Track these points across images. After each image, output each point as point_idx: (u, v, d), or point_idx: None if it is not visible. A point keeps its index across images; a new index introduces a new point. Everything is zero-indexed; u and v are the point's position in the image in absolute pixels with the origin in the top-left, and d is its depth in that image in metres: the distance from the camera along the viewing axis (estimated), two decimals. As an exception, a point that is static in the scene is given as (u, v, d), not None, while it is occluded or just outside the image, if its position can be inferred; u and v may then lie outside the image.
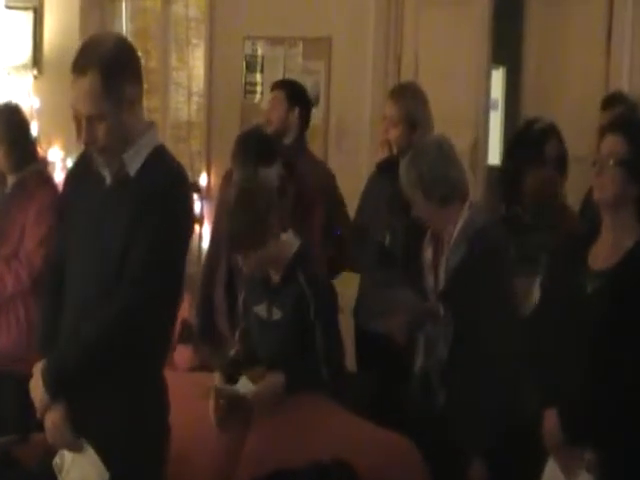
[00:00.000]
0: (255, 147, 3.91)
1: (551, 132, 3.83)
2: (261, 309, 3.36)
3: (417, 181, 3.35)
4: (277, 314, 3.30)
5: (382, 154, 4.12)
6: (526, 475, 2.94)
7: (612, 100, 4.33)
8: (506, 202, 3.88)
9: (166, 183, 2.53)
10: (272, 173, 3.82)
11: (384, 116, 4.09)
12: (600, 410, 2.70)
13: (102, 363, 2.51)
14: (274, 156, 3.90)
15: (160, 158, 2.59)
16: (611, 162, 2.75)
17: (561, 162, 3.78)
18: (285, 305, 3.28)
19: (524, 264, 3.53)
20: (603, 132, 2.84)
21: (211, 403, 3.19)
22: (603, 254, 2.80)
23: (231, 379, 3.30)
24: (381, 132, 4.13)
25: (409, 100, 4.03)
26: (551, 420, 2.78)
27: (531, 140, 3.82)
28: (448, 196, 3.34)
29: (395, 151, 4.02)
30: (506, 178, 3.93)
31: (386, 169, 4.03)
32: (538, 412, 2.83)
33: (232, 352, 3.47)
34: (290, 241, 3.34)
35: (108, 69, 2.47)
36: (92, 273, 2.54)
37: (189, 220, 2.67)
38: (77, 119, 2.53)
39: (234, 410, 3.16)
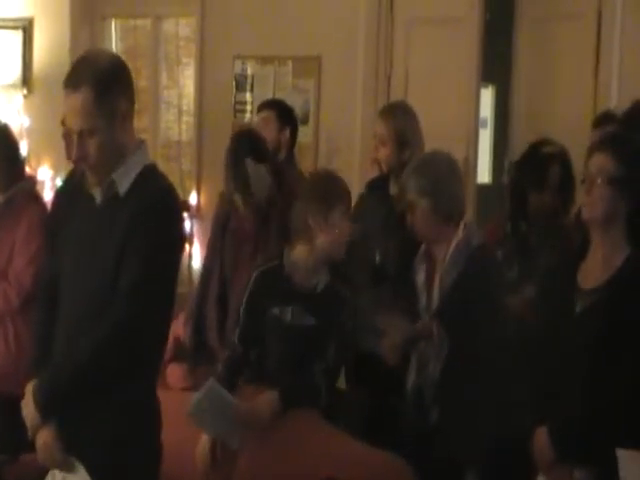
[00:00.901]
0: (248, 142, 4.00)
1: (556, 157, 3.84)
2: (284, 312, 3.25)
3: (426, 190, 3.31)
4: (310, 320, 3.23)
5: (372, 173, 4.12)
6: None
7: (603, 119, 4.35)
8: (511, 220, 3.90)
9: (157, 202, 2.53)
10: (263, 169, 3.89)
11: (374, 135, 4.10)
12: (590, 428, 2.71)
13: (94, 383, 2.50)
14: (265, 155, 4.00)
15: (150, 177, 2.58)
16: (600, 180, 2.76)
17: (565, 187, 3.77)
18: (322, 313, 3.23)
19: (529, 286, 3.55)
20: (592, 150, 2.86)
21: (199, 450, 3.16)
22: (593, 272, 2.81)
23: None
24: (371, 151, 4.13)
25: (399, 119, 4.04)
26: (542, 437, 2.78)
27: (535, 164, 3.84)
28: (453, 214, 3.34)
29: (385, 170, 4.02)
30: (512, 197, 3.95)
31: (376, 188, 4.04)
32: (529, 429, 2.83)
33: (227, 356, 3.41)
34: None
35: (102, 85, 2.48)
36: (84, 292, 2.54)
37: (180, 239, 2.66)
38: (67, 136, 2.52)
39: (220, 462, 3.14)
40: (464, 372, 3.19)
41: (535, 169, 3.82)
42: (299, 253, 3.27)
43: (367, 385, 3.77)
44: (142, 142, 2.67)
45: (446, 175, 3.36)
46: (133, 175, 2.55)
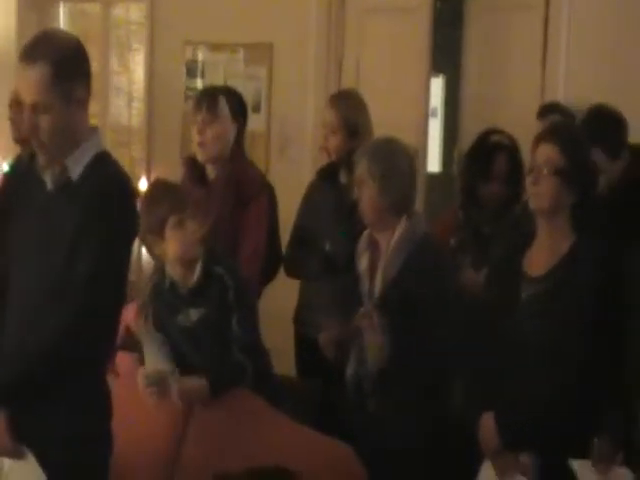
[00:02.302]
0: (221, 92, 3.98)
1: (503, 147, 3.84)
2: (181, 318, 3.32)
3: (377, 173, 3.29)
4: (199, 312, 3.28)
5: (322, 161, 4.12)
6: (462, 478, 2.97)
7: (548, 109, 4.40)
8: (463, 209, 3.92)
9: (111, 189, 2.50)
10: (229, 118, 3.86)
11: (323, 123, 4.09)
12: (536, 415, 2.75)
13: (48, 373, 2.48)
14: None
15: (104, 164, 2.56)
16: (545, 171, 2.80)
17: (513, 177, 3.78)
18: (208, 299, 3.26)
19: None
20: (538, 141, 2.90)
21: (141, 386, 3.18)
22: (539, 260, 2.85)
23: None
24: (322, 138, 4.12)
25: (348, 107, 4.04)
26: (488, 424, 2.82)
27: (481, 154, 3.86)
28: (400, 203, 3.32)
29: (334, 158, 4.03)
30: (462, 186, 3.98)
31: (327, 176, 4.04)
32: (475, 416, 2.86)
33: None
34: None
35: (60, 63, 2.45)
36: (37, 280, 2.51)
37: (134, 227, 2.64)
38: (16, 116, 2.49)
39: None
40: (403, 362, 3.21)
41: (482, 159, 3.83)
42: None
43: (316, 374, 3.79)
44: (96, 129, 2.64)
45: (400, 165, 3.36)
46: (86, 161, 2.52)
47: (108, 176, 2.53)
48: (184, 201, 3.28)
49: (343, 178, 3.94)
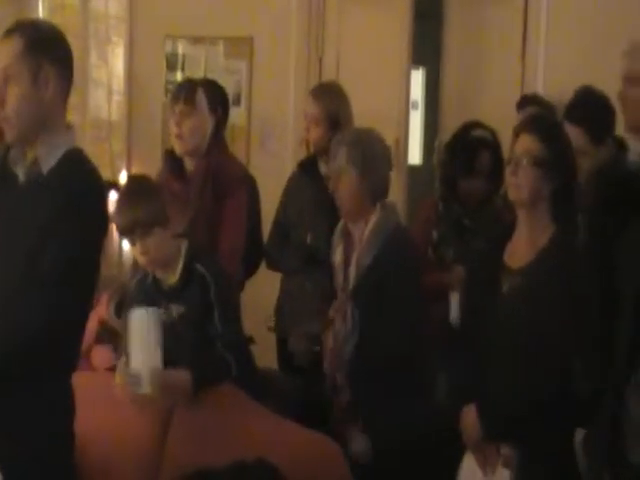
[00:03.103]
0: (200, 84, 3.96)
1: (486, 142, 3.85)
2: (163, 314, 3.25)
3: (357, 161, 3.30)
4: (179, 309, 3.26)
5: (303, 153, 4.12)
6: (444, 470, 2.98)
7: (526, 101, 4.41)
8: (443, 202, 3.93)
9: (81, 185, 2.48)
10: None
11: (305, 115, 4.08)
12: (517, 407, 2.76)
13: (9, 371, 2.43)
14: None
15: (76, 159, 2.53)
16: (525, 161, 2.81)
17: (495, 171, 3.78)
18: (188, 298, 3.25)
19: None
20: (517, 132, 2.90)
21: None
22: (519, 252, 2.86)
23: None
24: (303, 130, 4.10)
25: (331, 99, 4.03)
26: (470, 416, 2.83)
27: (464, 149, 3.86)
28: (377, 192, 3.33)
29: (313, 150, 4.01)
30: (442, 180, 3.98)
31: (307, 168, 4.03)
32: (457, 408, 2.87)
33: None
34: (179, 243, 3.29)
35: (34, 39, 2.46)
36: (2, 276, 2.49)
37: (103, 223, 2.61)
38: None
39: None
40: (376, 354, 3.21)
41: (465, 154, 3.84)
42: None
43: (298, 369, 3.79)
44: (71, 126, 2.62)
45: (379, 153, 3.37)
46: (58, 155, 2.50)
47: (79, 172, 2.51)
48: (155, 208, 3.21)
49: (323, 170, 3.93)
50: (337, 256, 3.39)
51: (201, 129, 3.85)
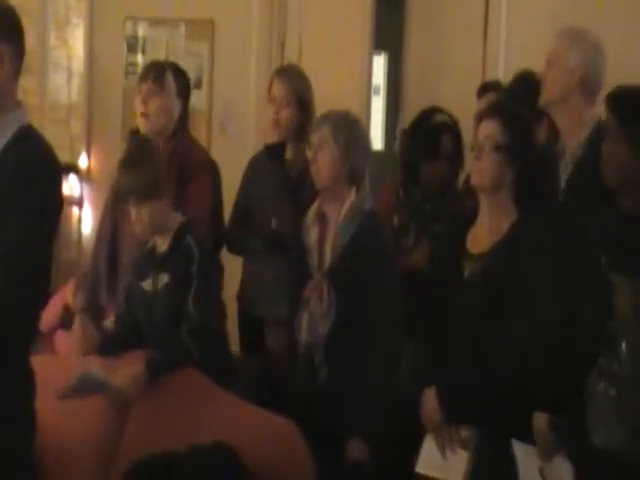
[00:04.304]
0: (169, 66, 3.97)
1: (447, 126, 3.89)
2: (147, 283, 3.34)
3: (341, 138, 3.31)
4: (164, 279, 3.29)
5: (273, 136, 4.00)
6: (404, 452, 3.00)
7: (487, 87, 4.43)
8: (403, 187, 3.94)
9: (34, 164, 2.43)
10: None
11: (272, 98, 3.99)
12: (476, 390, 2.78)
13: None
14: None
15: (28, 138, 2.48)
16: (488, 147, 2.83)
17: (457, 156, 3.84)
18: (174, 267, 3.27)
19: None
20: (480, 118, 2.92)
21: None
22: (481, 237, 2.88)
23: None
24: (272, 113, 3.99)
25: (298, 80, 4.01)
26: (430, 399, 2.85)
27: (426, 133, 3.88)
28: (356, 174, 3.34)
29: (284, 133, 3.94)
30: (403, 165, 3.99)
31: (274, 153, 3.99)
32: (418, 391, 2.89)
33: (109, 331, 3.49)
34: (175, 213, 3.38)
35: None
36: None
37: (59, 204, 2.57)
38: None
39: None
40: (352, 333, 3.23)
41: (427, 139, 3.86)
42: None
43: (260, 351, 3.79)
44: (20, 103, 2.56)
45: (362, 138, 3.42)
46: (9, 134, 2.45)
47: (32, 151, 2.45)
48: (152, 179, 3.28)
49: (289, 154, 3.91)
50: (312, 236, 3.39)
51: (168, 110, 3.83)
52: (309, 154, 3.40)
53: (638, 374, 2.52)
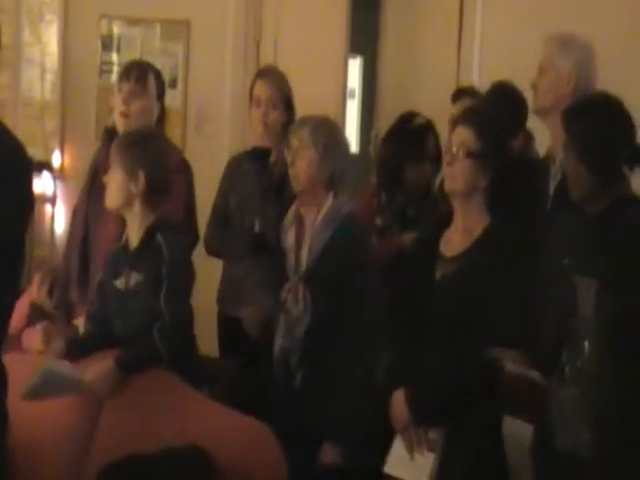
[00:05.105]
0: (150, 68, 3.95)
1: (429, 128, 3.93)
2: (120, 282, 3.31)
3: (321, 142, 3.31)
4: (136, 277, 3.27)
5: (264, 139, 3.93)
6: (374, 453, 3.01)
7: (461, 93, 4.46)
8: (386, 191, 3.95)
9: (3, 162, 2.42)
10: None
11: (257, 100, 3.94)
12: (444, 393, 2.80)
13: None
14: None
15: None
16: (461, 153, 2.85)
17: (438, 157, 3.85)
18: (145, 266, 3.25)
19: None
20: (454, 124, 2.94)
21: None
22: (454, 241, 2.90)
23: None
24: (259, 115, 3.93)
25: (282, 81, 4.00)
26: (399, 400, 2.86)
27: (411, 136, 3.90)
28: (335, 179, 3.34)
29: (272, 135, 3.89)
30: (386, 169, 4.00)
31: (260, 156, 3.94)
32: (388, 393, 2.91)
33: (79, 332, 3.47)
34: (149, 212, 3.33)
35: None
36: None
37: (29, 203, 2.54)
38: None
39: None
40: (327, 336, 3.24)
41: (413, 140, 3.89)
42: None
43: (238, 353, 3.78)
44: None
45: (342, 143, 3.43)
46: None
47: (2, 147, 2.44)
48: (132, 158, 3.29)
49: (273, 158, 3.90)
50: (289, 239, 3.39)
51: (148, 112, 3.81)
52: (288, 157, 3.40)
53: (601, 373, 2.55)
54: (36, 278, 4.00)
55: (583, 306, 2.59)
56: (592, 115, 2.65)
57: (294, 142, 3.36)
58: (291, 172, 3.37)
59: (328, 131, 3.37)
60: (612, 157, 2.61)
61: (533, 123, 3.92)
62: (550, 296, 2.69)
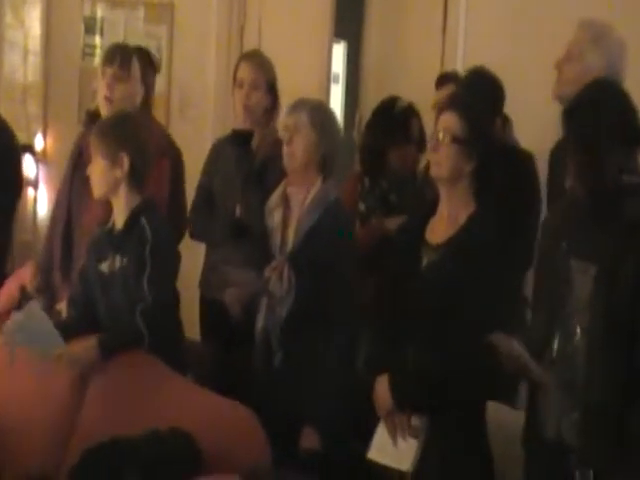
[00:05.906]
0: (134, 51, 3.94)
1: (413, 111, 3.96)
2: (105, 265, 3.32)
3: (318, 124, 3.32)
4: (120, 261, 3.28)
5: (244, 122, 3.91)
6: (356, 439, 3.03)
7: (445, 79, 4.46)
8: (370, 176, 3.95)
9: None
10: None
11: (241, 82, 3.92)
12: (428, 379, 2.82)
13: None
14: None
15: None
16: (446, 139, 2.85)
17: (422, 141, 3.87)
18: (129, 249, 3.26)
19: None
20: (440, 109, 2.95)
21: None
22: (440, 228, 2.91)
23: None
24: (241, 97, 3.90)
25: (266, 64, 4.00)
26: (382, 386, 2.88)
27: (397, 118, 3.92)
28: (328, 162, 3.35)
29: (253, 119, 3.88)
30: (370, 154, 4.00)
31: (242, 139, 3.93)
32: (371, 378, 2.92)
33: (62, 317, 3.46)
34: (134, 195, 3.35)
35: None
36: None
37: (17, 188, 2.54)
38: None
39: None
40: (310, 319, 3.24)
41: (397, 125, 3.90)
42: None
43: (220, 336, 3.78)
44: None
45: (336, 127, 3.45)
46: None
47: None
48: (112, 142, 3.31)
49: (255, 141, 3.89)
50: (275, 218, 3.39)
51: (132, 96, 3.81)
52: (284, 136, 3.38)
53: (591, 358, 2.54)
54: (30, 265, 3.97)
55: (579, 290, 2.58)
56: (591, 110, 2.59)
57: (291, 122, 3.36)
58: (287, 150, 3.37)
59: (325, 114, 3.42)
60: (611, 145, 2.57)
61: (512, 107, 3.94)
62: (544, 280, 2.68)
